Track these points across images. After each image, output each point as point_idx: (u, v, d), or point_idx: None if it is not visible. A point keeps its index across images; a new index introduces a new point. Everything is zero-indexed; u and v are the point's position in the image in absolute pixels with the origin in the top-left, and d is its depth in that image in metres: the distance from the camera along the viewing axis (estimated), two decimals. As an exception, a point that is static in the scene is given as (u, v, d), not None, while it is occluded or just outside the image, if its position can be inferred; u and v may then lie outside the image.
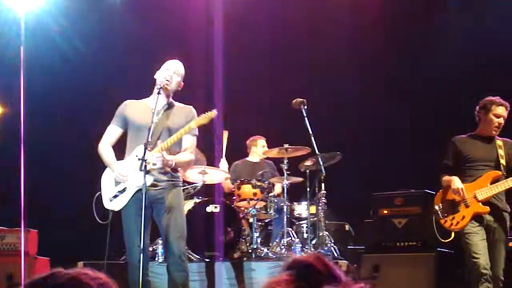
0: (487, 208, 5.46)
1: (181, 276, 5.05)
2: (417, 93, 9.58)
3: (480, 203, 5.46)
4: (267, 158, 8.87)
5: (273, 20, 9.91)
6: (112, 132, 5.28)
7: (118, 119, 5.29)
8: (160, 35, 9.58)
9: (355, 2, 10.03)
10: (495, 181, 5.48)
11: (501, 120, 5.57)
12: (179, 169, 5.24)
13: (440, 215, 5.72)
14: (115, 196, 5.09)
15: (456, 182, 5.57)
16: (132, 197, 5.01)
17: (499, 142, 5.63)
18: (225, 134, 8.65)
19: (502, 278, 5.43)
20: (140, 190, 4.79)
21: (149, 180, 4.89)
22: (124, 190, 5.06)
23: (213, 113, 5.07)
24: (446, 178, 5.68)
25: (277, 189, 8.49)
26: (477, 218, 5.49)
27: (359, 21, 9.92)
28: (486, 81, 8.38)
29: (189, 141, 5.20)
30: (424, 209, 7.27)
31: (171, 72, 5.21)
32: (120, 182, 5.10)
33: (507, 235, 5.55)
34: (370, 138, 9.75)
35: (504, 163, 5.52)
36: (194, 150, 5.31)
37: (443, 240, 5.78)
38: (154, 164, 4.87)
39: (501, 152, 5.56)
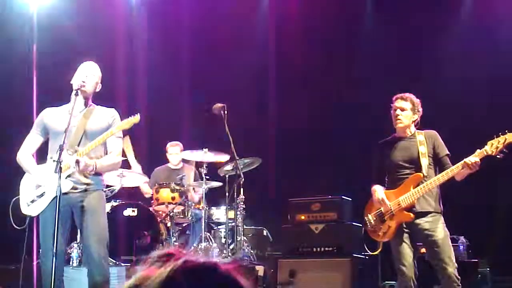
0: (411, 216, 5.23)
1: (101, 280, 4.96)
2: (338, 97, 9.72)
3: (404, 211, 5.25)
4: (187, 163, 8.81)
5: (195, 23, 9.89)
6: (32, 141, 5.18)
7: (37, 127, 5.19)
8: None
9: (278, 6, 10.14)
10: (418, 184, 5.25)
11: (398, 112, 5.40)
12: (102, 172, 5.16)
13: (368, 226, 5.53)
14: (33, 201, 4.98)
15: (377, 192, 5.42)
16: (50, 202, 4.89)
17: (420, 137, 5.42)
18: (126, 140, 8.57)
19: (458, 277, 5.10)
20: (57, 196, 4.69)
21: (69, 185, 4.82)
22: (42, 194, 4.94)
23: (137, 118, 5.02)
24: (373, 187, 5.49)
25: (194, 197, 8.40)
26: (407, 224, 5.29)
27: (280, 26, 10.02)
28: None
29: (114, 144, 5.13)
30: (341, 215, 7.40)
31: (86, 74, 5.14)
32: (39, 187, 4.98)
33: (446, 232, 5.26)
34: (289, 143, 9.85)
35: (426, 163, 5.30)
36: (120, 152, 5.24)
37: (371, 253, 5.68)
38: (74, 168, 4.80)
39: (422, 149, 5.34)
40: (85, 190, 4.98)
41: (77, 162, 4.80)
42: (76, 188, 4.92)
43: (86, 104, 5.17)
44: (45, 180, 4.94)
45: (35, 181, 5.00)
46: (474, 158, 5.07)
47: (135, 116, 5.01)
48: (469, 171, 5.13)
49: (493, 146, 5.03)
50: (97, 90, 5.24)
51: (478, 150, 5.10)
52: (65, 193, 4.79)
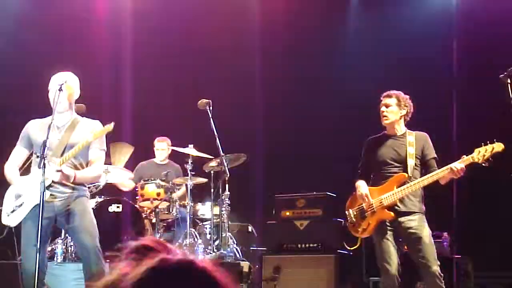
0: (391, 215, 5.27)
1: (97, 270, 4.94)
2: (326, 94, 9.73)
3: (385, 209, 5.28)
4: (174, 161, 8.80)
5: (179, 20, 9.88)
6: (18, 154, 5.18)
7: (22, 140, 5.19)
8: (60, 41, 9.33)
9: (262, 4, 10.14)
10: (402, 184, 5.28)
11: (383, 108, 5.45)
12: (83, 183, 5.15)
13: (349, 220, 5.58)
14: (13, 211, 4.98)
15: (360, 187, 5.45)
16: (29, 212, 4.90)
17: (410, 138, 5.44)
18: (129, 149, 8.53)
19: (441, 274, 5.15)
20: (38, 205, 4.68)
21: (47, 194, 4.78)
22: (21, 204, 4.93)
23: (110, 126, 5.01)
24: (357, 182, 5.52)
25: (180, 192, 8.38)
26: (391, 222, 5.31)
27: (266, 21, 10.02)
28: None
29: (95, 156, 5.10)
30: (326, 212, 7.41)
31: (56, 89, 5.02)
32: (19, 197, 4.98)
33: (429, 231, 5.30)
34: (275, 139, 9.85)
35: (412, 164, 5.33)
36: (102, 164, 5.22)
37: (349, 248, 5.75)
38: (51, 180, 4.82)
39: (410, 150, 5.36)
40: (68, 198, 4.98)
41: (60, 171, 4.80)
42: (55, 197, 4.92)
43: (70, 117, 5.15)
44: (25, 190, 4.94)
45: (16, 191, 5.00)
46: (460, 165, 5.10)
47: (109, 125, 5.01)
48: (453, 176, 5.17)
49: (480, 154, 5.07)
50: (75, 98, 5.20)
51: (464, 156, 5.13)
52: (48, 202, 4.79)
